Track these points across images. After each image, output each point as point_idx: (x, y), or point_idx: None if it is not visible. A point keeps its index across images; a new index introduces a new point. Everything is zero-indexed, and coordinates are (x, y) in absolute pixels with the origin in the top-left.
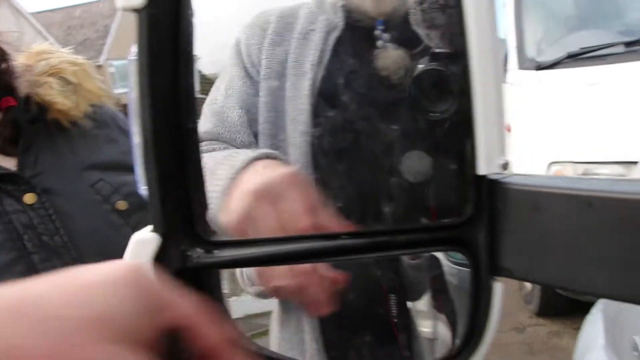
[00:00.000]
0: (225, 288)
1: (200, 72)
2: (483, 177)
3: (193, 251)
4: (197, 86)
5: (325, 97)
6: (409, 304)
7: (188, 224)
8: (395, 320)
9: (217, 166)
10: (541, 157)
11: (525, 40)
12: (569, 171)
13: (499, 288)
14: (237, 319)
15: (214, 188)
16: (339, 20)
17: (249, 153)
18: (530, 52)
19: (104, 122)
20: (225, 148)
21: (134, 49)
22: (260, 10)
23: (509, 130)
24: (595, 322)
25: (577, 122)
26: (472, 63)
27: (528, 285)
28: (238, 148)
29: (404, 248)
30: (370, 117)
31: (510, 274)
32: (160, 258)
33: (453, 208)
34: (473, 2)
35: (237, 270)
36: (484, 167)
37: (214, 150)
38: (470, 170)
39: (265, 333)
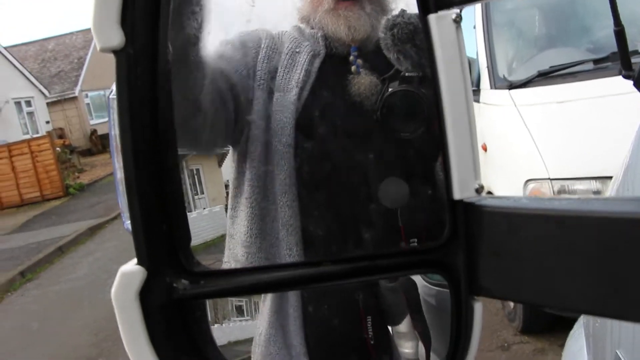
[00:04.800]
0: (209, 317)
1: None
2: (459, 201)
3: (179, 283)
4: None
5: (308, 113)
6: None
7: (173, 256)
8: (372, 341)
9: None
10: (517, 175)
11: (497, 60)
12: (545, 188)
13: (479, 307)
14: (222, 346)
15: None
16: (321, 49)
17: None
18: (502, 71)
19: None
20: None
21: (113, 87)
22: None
23: (484, 149)
24: (577, 338)
25: (550, 139)
26: (442, 90)
27: (511, 303)
28: None
29: (385, 272)
30: (347, 143)
31: (489, 294)
32: (146, 290)
33: (431, 232)
34: (438, 28)
35: None
36: (459, 191)
37: None
38: (446, 195)
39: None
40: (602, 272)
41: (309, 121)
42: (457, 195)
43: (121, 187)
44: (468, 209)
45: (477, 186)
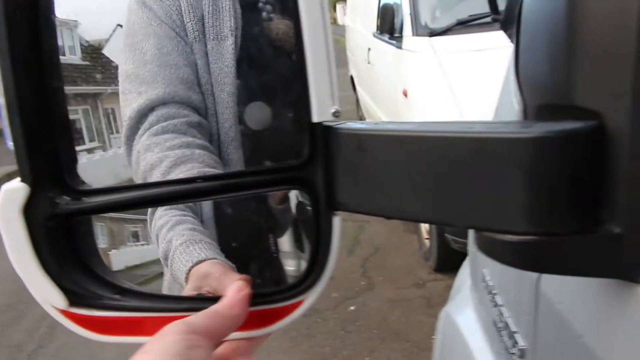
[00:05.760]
0: (105, 243)
1: (82, 38)
2: (318, 123)
3: (61, 199)
4: (66, 48)
5: (244, 61)
6: (278, 241)
7: (56, 175)
8: (275, 254)
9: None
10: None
11: (419, 7)
12: None
13: (338, 222)
14: (119, 271)
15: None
16: None
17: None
18: (424, 19)
19: None
20: (183, 117)
21: None
22: None
23: (405, 95)
24: (465, 267)
25: (466, 86)
26: (302, 21)
27: (427, 242)
28: (193, 107)
29: (252, 188)
30: (276, 85)
31: (345, 208)
32: (30, 206)
33: (293, 152)
34: None
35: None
36: (317, 115)
37: (175, 128)
38: (306, 118)
39: (147, 282)
40: (435, 185)
41: (246, 69)
42: (315, 118)
43: (4, 112)
44: (325, 130)
45: (333, 110)
